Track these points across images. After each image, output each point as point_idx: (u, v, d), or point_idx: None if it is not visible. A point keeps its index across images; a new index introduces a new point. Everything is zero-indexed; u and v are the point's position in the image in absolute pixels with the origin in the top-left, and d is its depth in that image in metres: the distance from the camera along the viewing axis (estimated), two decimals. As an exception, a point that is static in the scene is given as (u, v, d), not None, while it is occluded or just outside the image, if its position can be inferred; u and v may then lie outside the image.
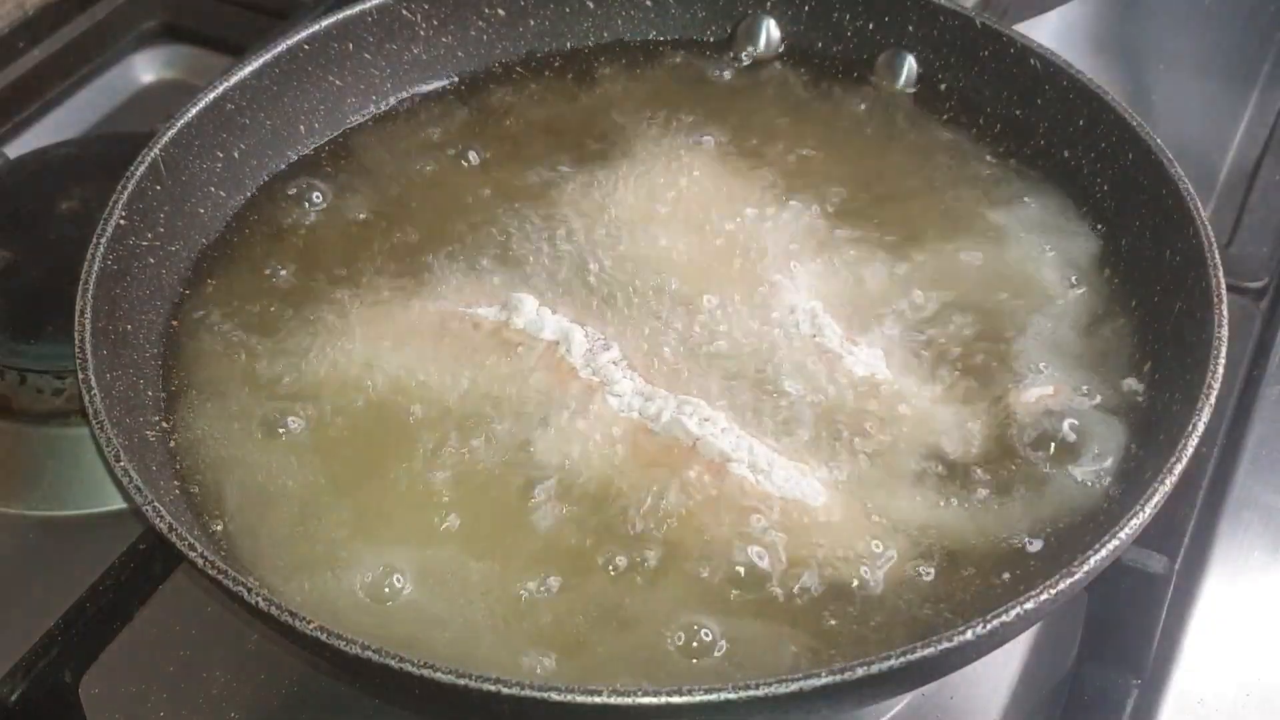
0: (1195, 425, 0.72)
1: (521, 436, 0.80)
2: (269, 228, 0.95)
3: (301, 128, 1.00)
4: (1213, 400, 0.73)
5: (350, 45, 1.01)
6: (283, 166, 0.99)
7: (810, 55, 1.06)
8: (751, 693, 0.61)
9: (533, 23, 1.07)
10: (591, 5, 1.07)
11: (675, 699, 0.61)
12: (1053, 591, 0.65)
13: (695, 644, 0.71)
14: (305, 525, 0.77)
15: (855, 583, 0.74)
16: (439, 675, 0.62)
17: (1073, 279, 0.89)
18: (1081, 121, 0.94)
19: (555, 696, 0.61)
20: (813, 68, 1.06)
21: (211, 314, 0.89)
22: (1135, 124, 0.89)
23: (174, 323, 0.88)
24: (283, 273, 0.92)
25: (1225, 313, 0.77)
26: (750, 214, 0.94)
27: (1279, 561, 0.93)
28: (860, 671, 0.62)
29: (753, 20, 1.07)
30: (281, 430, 0.82)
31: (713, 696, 0.61)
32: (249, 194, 0.96)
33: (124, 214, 0.85)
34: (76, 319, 0.78)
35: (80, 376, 0.76)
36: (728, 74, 1.06)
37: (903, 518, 0.77)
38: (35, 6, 1.32)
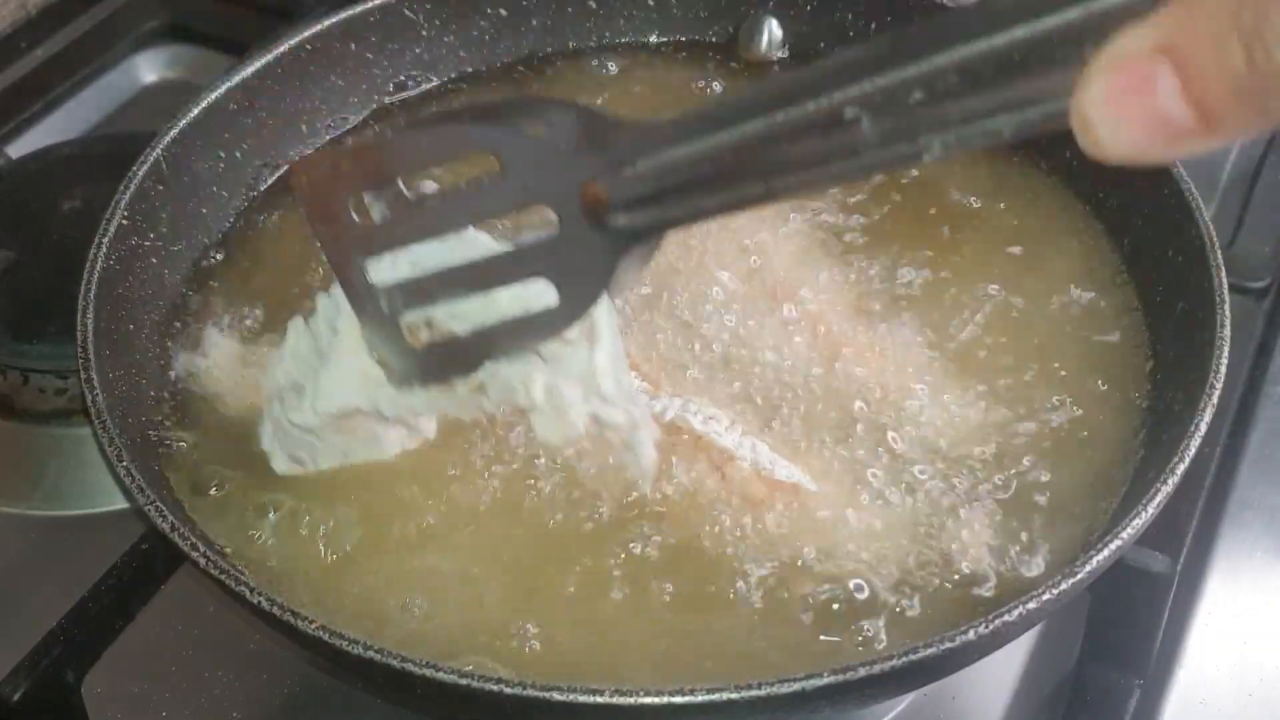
0: (1198, 425, 0.72)
1: (532, 430, 0.80)
2: (272, 228, 0.95)
3: (304, 127, 1.00)
4: (1215, 400, 0.73)
5: (353, 45, 1.01)
6: (285, 166, 0.99)
7: (813, 55, 1.06)
8: (754, 693, 0.61)
9: (535, 22, 1.07)
10: (594, 5, 1.07)
11: (677, 699, 0.61)
12: (1055, 591, 0.65)
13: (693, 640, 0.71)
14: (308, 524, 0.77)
15: (856, 582, 0.74)
16: (441, 675, 0.62)
17: (1075, 279, 0.89)
18: (1084, 121, 0.93)
19: (557, 696, 0.61)
20: (815, 68, 1.05)
21: (214, 314, 0.89)
22: (1137, 124, 0.89)
23: (176, 323, 0.88)
24: (283, 274, 0.92)
25: (1228, 313, 0.77)
26: (751, 215, 0.94)
27: (1281, 562, 0.94)
28: (862, 671, 0.62)
29: (755, 20, 1.07)
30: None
31: (715, 696, 0.61)
32: (252, 194, 0.96)
33: (126, 214, 0.85)
34: (79, 319, 0.78)
35: (83, 376, 0.76)
36: (730, 74, 1.06)
37: (907, 516, 0.77)
38: (38, 6, 1.33)
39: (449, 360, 0.68)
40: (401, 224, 0.65)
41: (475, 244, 0.67)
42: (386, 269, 0.66)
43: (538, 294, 0.65)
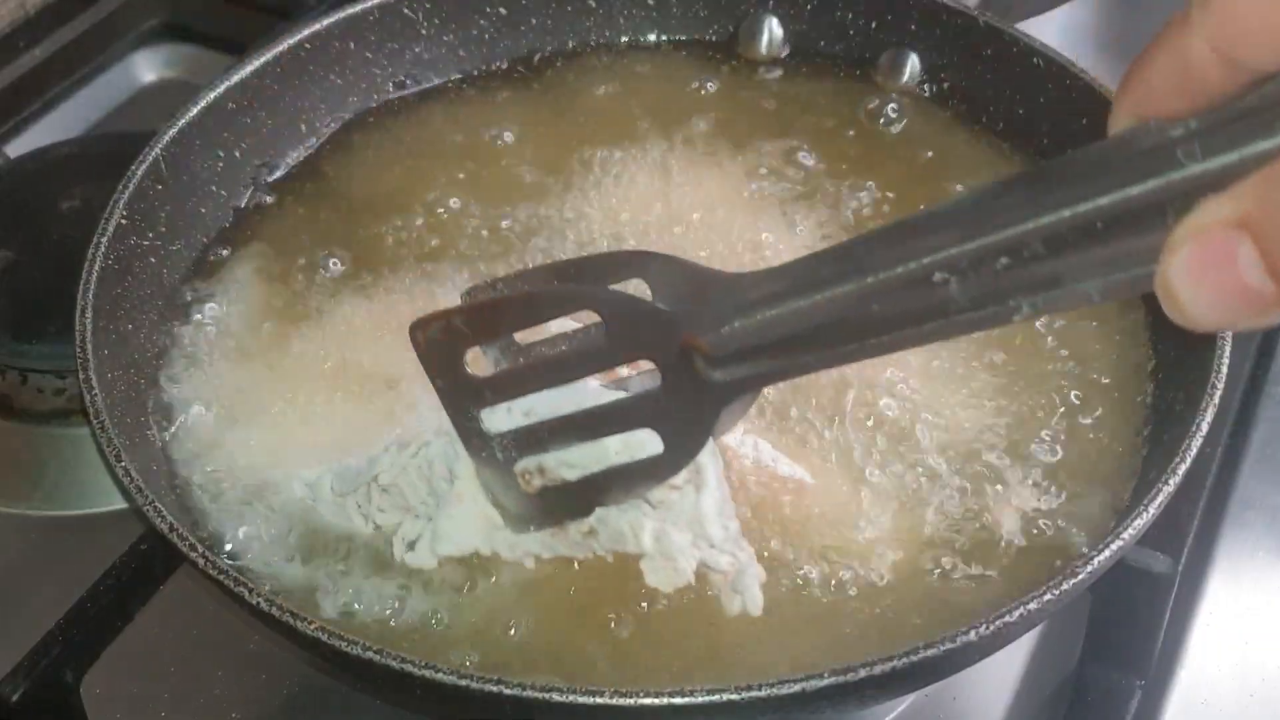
0: (1199, 425, 0.72)
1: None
2: (271, 227, 0.95)
3: (303, 126, 1.00)
4: (1217, 400, 0.73)
5: (352, 44, 1.00)
6: (284, 165, 0.99)
7: (813, 54, 1.06)
8: (754, 693, 0.61)
9: (534, 21, 1.06)
10: (593, 4, 1.07)
11: (677, 699, 0.61)
12: (1056, 591, 0.65)
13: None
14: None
15: (857, 583, 0.74)
16: (440, 675, 0.62)
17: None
18: (1085, 121, 0.93)
19: (557, 697, 0.61)
20: (815, 66, 1.06)
21: (213, 313, 0.89)
22: (1138, 123, 0.89)
23: (175, 322, 0.88)
24: (283, 274, 0.92)
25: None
26: (754, 215, 0.94)
27: (1282, 562, 0.93)
28: (863, 673, 0.62)
29: (755, 19, 1.06)
30: (284, 428, 0.82)
31: (715, 697, 0.61)
32: (250, 193, 0.96)
33: (125, 213, 0.85)
34: (77, 318, 0.78)
35: (81, 376, 0.75)
36: (730, 73, 1.06)
37: (906, 516, 0.77)
38: (36, 6, 1.32)
39: (562, 505, 0.71)
40: (513, 377, 0.69)
41: (584, 389, 0.70)
42: (500, 417, 0.69)
43: (644, 442, 0.67)
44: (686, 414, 0.65)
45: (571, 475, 0.69)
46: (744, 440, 0.78)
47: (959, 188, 0.96)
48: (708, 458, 0.71)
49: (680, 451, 0.66)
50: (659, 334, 0.63)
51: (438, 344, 0.66)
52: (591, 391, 0.70)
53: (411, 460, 0.74)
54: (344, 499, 0.76)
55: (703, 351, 0.62)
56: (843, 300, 0.57)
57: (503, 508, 0.71)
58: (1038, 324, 0.86)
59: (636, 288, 0.70)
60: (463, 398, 0.67)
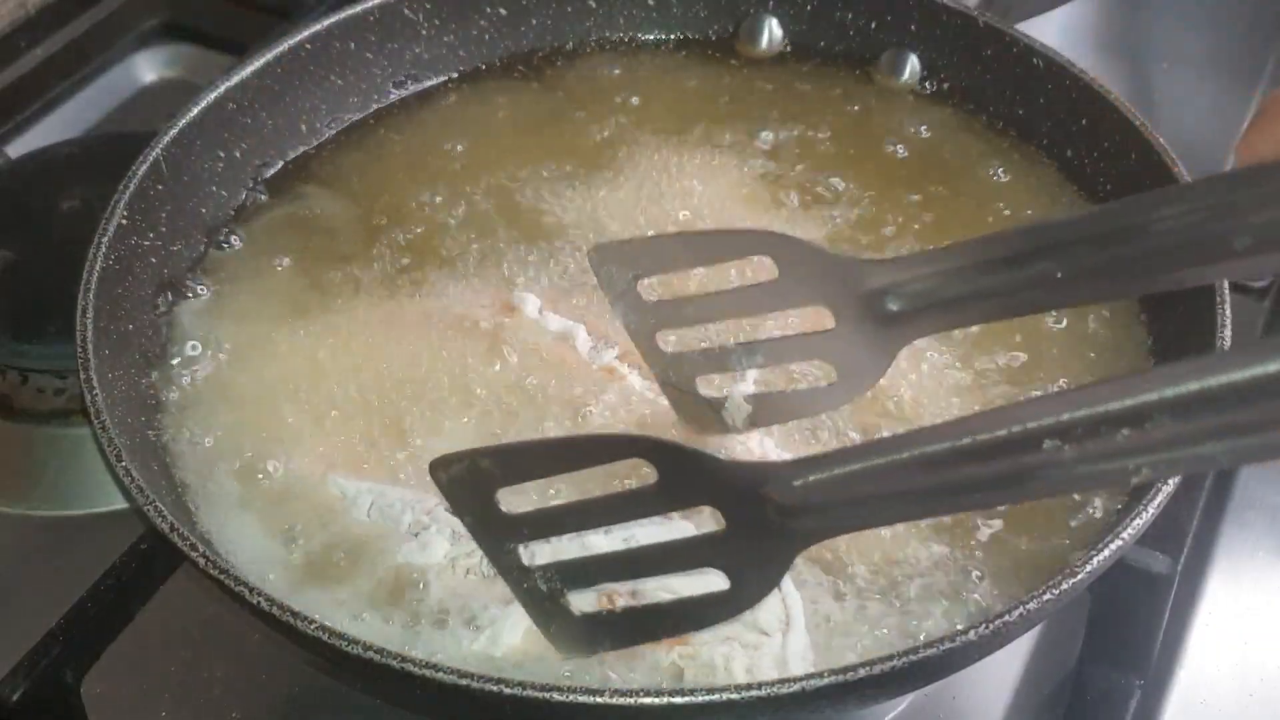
0: (1199, 425, 0.72)
1: (542, 425, 0.80)
2: (271, 227, 0.95)
3: (303, 126, 1.00)
4: (1216, 400, 0.73)
5: (352, 45, 1.01)
6: (284, 166, 0.99)
7: (813, 54, 1.06)
8: (754, 693, 0.61)
9: (535, 21, 1.07)
10: (593, 4, 1.07)
11: (677, 699, 0.61)
12: (1055, 591, 0.65)
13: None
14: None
15: (856, 584, 0.74)
16: (440, 675, 0.62)
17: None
18: (1084, 121, 0.93)
19: (557, 697, 0.61)
20: (815, 66, 1.06)
21: (213, 314, 0.89)
22: (1138, 124, 0.89)
23: (175, 322, 0.88)
24: (284, 274, 0.92)
25: (1229, 313, 0.77)
26: (755, 215, 0.94)
27: (1282, 561, 0.93)
28: (863, 672, 0.61)
29: (755, 19, 1.07)
30: (285, 430, 0.82)
31: (715, 697, 0.61)
32: (250, 193, 0.96)
33: (126, 213, 0.85)
34: (78, 318, 0.78)
35: (81, 376, 0.75)
36: (730, 73, 1.06)
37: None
38: (37, 6, 1.32)
39: (620, 630, 0.67)
40: (553, 516, 0.64)
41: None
42: (546, 547, 0.66)
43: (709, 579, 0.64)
44: (755, 557, 0.61)
45: (642, 601, 0.66)
46: (749, 436, 0.78)
47: (964, 191, 0.96)
48: (796, 605, 0.69)
49: (749, 592, 0.62)
50: (722, 486, 0.59)
51: (461, 482, 0.62)
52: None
53: (467, 560, 0.73)
54: (380, 522, 0.75)
55: (775, 503, 0.58)
56: (933, 460, 0.53)
57: (549, 634, 0.67)
58: (1034, 327, 0.86)
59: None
60: (496, 534, 0.63)
